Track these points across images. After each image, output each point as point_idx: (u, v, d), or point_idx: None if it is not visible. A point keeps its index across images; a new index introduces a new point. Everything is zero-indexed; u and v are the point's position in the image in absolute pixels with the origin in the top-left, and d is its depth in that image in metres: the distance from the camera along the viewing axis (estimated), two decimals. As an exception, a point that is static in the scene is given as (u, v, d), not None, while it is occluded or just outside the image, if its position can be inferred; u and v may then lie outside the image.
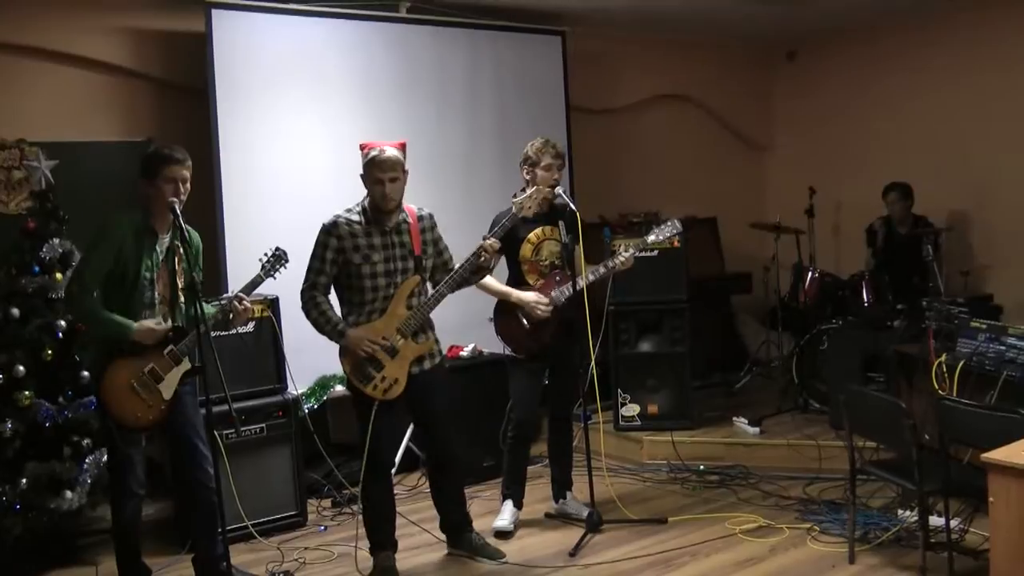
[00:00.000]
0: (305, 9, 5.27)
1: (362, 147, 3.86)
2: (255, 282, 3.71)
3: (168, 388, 3.57)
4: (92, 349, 3.58)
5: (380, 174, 3.74)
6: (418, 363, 3.86)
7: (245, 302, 3.66)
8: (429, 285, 3.94)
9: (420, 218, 3.92)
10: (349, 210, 3.83)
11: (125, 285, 3.50)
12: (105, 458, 4.22)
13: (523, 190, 4.17)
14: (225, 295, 3.74)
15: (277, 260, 3.75)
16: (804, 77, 7.81)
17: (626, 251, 4.35)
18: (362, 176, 3.81)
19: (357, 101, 5.46)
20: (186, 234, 3.51)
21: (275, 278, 3.76)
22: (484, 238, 3.88)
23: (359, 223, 3.79)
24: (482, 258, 3.80)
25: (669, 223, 4.44)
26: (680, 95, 7.59)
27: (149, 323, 3.53)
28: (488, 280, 4.18)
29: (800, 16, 6.79)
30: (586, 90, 6.70)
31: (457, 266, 3.89)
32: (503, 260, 4.34)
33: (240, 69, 5.05)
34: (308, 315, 3.78)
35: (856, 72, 7.34)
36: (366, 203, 3.83)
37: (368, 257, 3.76)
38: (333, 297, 3.88)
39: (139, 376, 3.51)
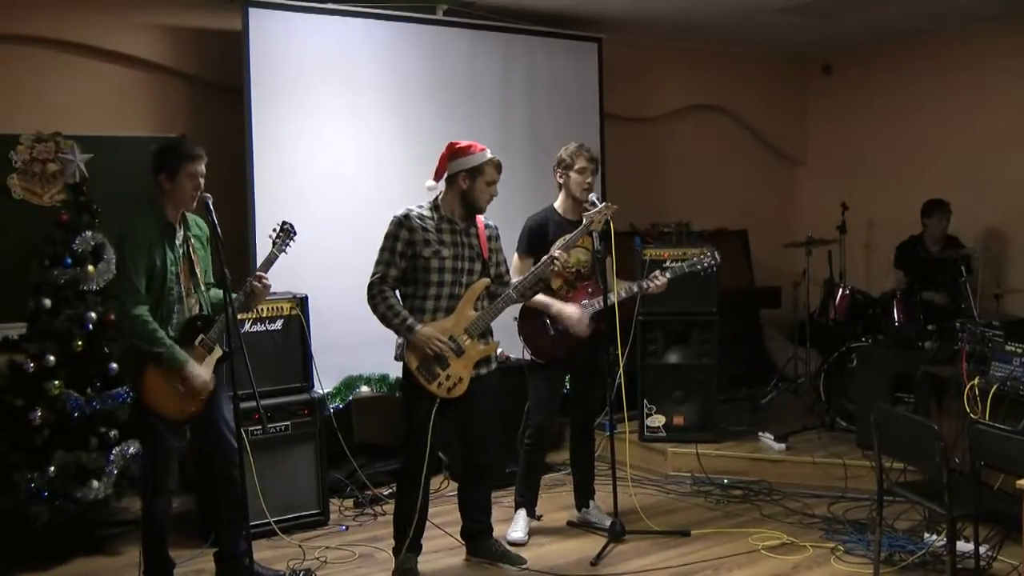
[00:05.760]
0: (342, 9, 5.29)
1: (464, 146, 3.82)
2: (270, 260, 3.70)
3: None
4: (129, 349, 3.58)
5: (497, 175, 3.84)
6: (479, 366, 3.86)
7: (264, 279, 3.65)
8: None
9: (487, 226, 3.96)
10: (420, 206, 3.83)
11: (154, 285, 3.50)
12: (131, 450, 4.26)
13: (593, 201, 4.14)
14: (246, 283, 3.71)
15: (286, 234, 3.74)
16: (840, 91, 7.72)
17: (662, 275, 4.28)
18: (457, 174, 3.79)
19: (390, 102, 5.47)
20: (216, 227, 3.51)
21: (287, 252, 3.74)
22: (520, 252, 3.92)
23: (431, 218, 3.80)
24: (554, 265, 3.83)
25: (707, 256, 4.38)
26: (714, 106, 7.55)
27: (203, 373, 3.54)
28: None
29: (837, 29, 6.72)
30: (620, 98, 6.68)
31: (527, 273, 3.92)
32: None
33: (275, 67, 5.08)
34: (375, 309, 3.74)
35: (893, 87, 7.25)
36: (439, 200, 3.85)
37: (438, 252, 3.75)
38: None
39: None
